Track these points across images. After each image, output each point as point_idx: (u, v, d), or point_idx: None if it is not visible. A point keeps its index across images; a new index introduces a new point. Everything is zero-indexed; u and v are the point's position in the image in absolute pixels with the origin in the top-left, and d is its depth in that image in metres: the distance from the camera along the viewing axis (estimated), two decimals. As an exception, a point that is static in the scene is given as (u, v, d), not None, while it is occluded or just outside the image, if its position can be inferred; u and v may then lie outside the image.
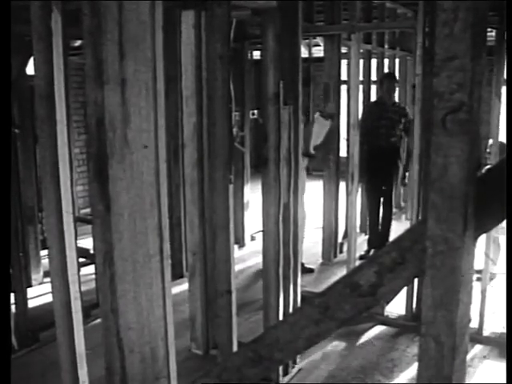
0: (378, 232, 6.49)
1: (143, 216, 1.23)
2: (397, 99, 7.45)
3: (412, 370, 4.08)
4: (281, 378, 4.01)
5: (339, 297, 1.02)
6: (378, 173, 6.42)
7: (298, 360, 4.21)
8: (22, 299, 4.37)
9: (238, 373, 1.21)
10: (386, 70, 8.15)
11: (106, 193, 1.16)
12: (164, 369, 1.37)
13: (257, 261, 5.80)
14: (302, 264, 5.28)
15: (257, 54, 8.94)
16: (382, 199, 6.51)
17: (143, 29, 1.22)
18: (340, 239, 6.54)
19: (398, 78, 8.34)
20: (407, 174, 6.55)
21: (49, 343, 4.38)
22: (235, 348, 3.62)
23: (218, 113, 3.26)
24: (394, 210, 8.42)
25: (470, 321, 0.96)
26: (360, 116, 6.09)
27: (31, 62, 5.16)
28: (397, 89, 6.67)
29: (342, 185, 6.01)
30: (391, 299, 5.05)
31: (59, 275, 2.53)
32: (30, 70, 5.20)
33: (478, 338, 4.33)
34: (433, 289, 0.88)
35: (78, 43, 5.55)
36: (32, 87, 5.65)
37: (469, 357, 4.02)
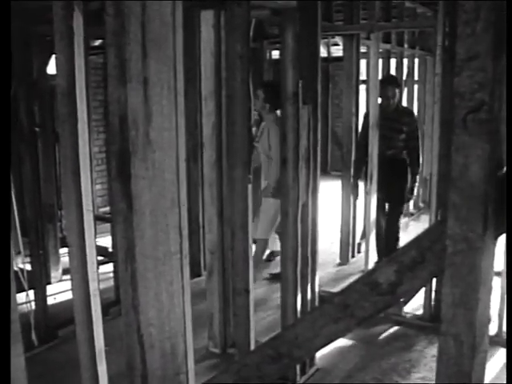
0: (382, 245, 5.94)
1: (164, 214, 1.25)
2: (405, 104, 7.10)
3: (430, 371, 4.07)
4: (298, 378, 4.02)
5: (358, 295, 1.03)
6: (378, 187, 5.78)
7: (315, 360, 4.22)
8: (42, 296, 4.42)
9: (256, 370, 1.22)
10: (405, 70, 8.12)
11: (128, 191, 1.17)
12: (183, 365, 1.39)
13: (275, 260, 5.83)
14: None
15: (275, 54, 8.95)
16: (387, 215, 5.97)
17: (165, 29, 1.23)
18: (358, 239, 6.54)
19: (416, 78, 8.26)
20: (415, 187, 5.94)
21: (67, 340, 4.42)
22: (253, 346, 3.64)
23: (238, 112, 3.28)
24: (413, 210, 8.41)
25: (489, 320, 0.97)
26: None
27: (51, 61, 5.23)
28: (397, 92, 5.77)
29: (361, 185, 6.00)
30: (409, 300, 5.04)
31: (79, 272, 2.56)
32: (50, 69, 5.25)
33: (497, 340, 4.30)
34: (452, 287, 0.89)
35: (96, 43, 5.60)
36: (52, 86, 5.72)
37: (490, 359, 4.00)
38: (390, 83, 5.77)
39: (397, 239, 5.87)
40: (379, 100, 5.62)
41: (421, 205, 8.62)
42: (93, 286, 2.56)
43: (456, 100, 0.86)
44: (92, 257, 2.54)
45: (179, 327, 1.35)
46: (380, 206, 5.88)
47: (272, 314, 4.87)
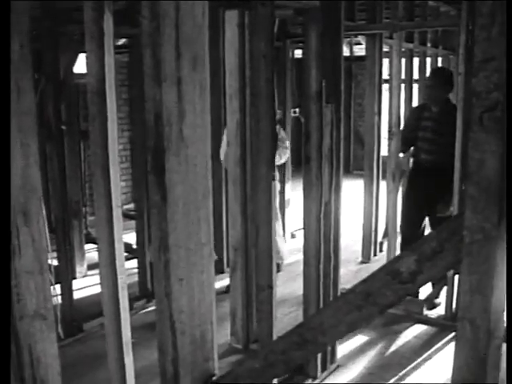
0: None
1: (196, 206, 1.32)
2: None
3: (450, 369, 4.11)
4: (319, 374, 4.08)
5: (381, 283, 1.09)
6: (416, 195, 5.30)
7: (336, 357, 4.28)
8: (68, 291, 4.52)
9: (283, 355, 1.29)
10: (428, 69, 8.08)
11: (162, 184, 1.25)
12: (212, 352, 1.46)
13: (297, 258, 5.87)
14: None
15: (297, 53, 9.00)
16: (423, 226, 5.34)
17: (197, 30, 1.30)
18: (380, 238, 6.58)
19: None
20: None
21: (92, 333, 4.54)
22: (273, 337, 3.69)
23: (262, 111, 3.35)
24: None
25: (504, 308, 1.02)
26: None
27: (78, 60, 5.33)
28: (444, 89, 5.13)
29: (383, 184, 6.04)
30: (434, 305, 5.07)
31: (108, 266, 2.64)
32: (77, 68, 5.35)
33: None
34: (469, 275, 0.95)
35: (120, 42, 5.69)
36: (78, 85, 5.83)
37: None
38: (433, 76, 5.33)
39: None
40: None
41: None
42: (121, 279, 2.64)
43: (473, 99, 0.92)
44: (120, 250, 2.63)
45: (208, 315, 1.43)
46: (415, 217, 5.31)
47: (294, 311, 4.94)
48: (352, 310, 1.15)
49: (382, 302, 1.11)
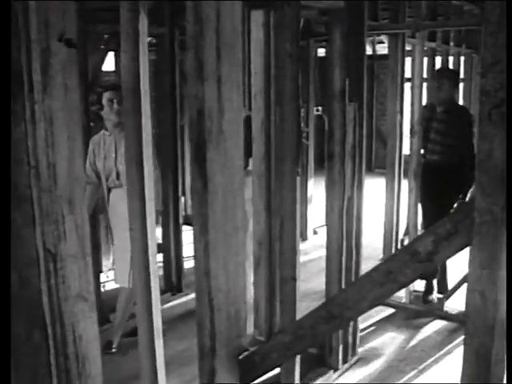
0: None
1: (233, 194, 1.47)
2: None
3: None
4: (340, 366, 4.22)
5: (401, 262, 1.23)
6: (427, 195, 5.41)
7: (357, 349, 4.42)
8: (95, 283, 4.69)
9: (311, 329, 1.44)
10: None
11: (203, 173, 1.40)
12: (245, 329, 1.61)
13: (319, 254, 6.01)
14: None
15: (320, 52, 9.11)
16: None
17: (235, 34, 1.46)
18: (401, 235, 6.68)
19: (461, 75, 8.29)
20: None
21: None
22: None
23: (287, 109, 3.49)
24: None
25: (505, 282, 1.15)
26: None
27: (107, 59, 5.51)
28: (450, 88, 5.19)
29: (405, 182, 6.15)
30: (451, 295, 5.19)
31: (141, 255, 2.80)
32: (105, 67, 5.53)
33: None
34: (479, 252, 1.09)
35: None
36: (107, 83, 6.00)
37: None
38: (438, 76, 5.42)
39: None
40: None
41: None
42: (153, 268, 2.80)
43: (483, 97, 1.06)
44: (153, 241, 2.79)
45: (242, 295, 1.58)
46: (424, 216, 5.51)
47: (317, 305, 5.06)
48: (375, 287, 1.29)
49: (402, 279, 1.25)
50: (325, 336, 1.46)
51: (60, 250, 1.92)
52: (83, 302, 2.03)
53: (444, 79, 5.22)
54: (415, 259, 1.20)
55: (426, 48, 6.64)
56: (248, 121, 4.38)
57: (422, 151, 5.47)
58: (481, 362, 1.10)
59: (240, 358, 1.57)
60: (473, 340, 1.12)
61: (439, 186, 5.24)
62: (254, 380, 1.63)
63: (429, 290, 5.38)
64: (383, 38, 7.23)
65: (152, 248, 2.79)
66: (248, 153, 4.69)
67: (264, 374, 1.61)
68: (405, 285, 1.28)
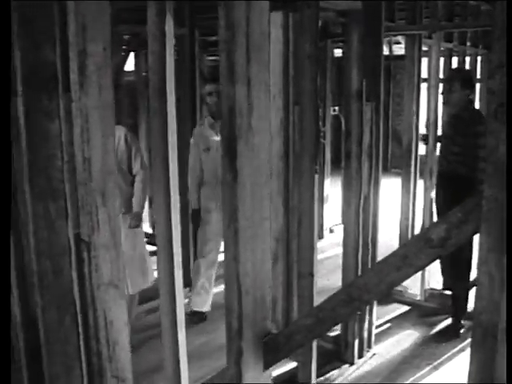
0: (448, 274, 5.27)
1: (260, 186, 1.60)
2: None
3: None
4: (356, 360, 4.35)
5: (416, 248, 1.36)
6: (439, 205, 5.20)
7: (372, 345, 4.54)
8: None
9: (332, 312, 1.57)
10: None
11: (233, 166, 1.53)
12: (269, 312, 1.74)
13: (335, 252, 6.14)
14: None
15: (337, 52, 9.21)
16: None
17: (263, 38, 1.59)
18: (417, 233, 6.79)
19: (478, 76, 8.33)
20: None
21: (140, 317, 4.88)
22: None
23: (306, 109, 3.62)
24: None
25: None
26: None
27: (128, 59, 5.66)
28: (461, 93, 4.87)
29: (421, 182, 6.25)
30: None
31: (165, 248, 2.94)
32: (127, 66, 5.68)
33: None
34: (487, 237, 1.21)
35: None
36: (129, 82, 6.17)
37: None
38: (449, 78, 5.11)
39: (469, 266, 4.93)
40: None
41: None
42: (177, 259, 2.94)
43: (490, 97, 1.18)
44: (177, 234, 2.93)
45: (267, 280, 1.71)
46: None
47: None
48: (392, 271, 1.42)
49: (417, 263, 1.38)
50: (345, 318, 1.59)
51: (94, 240, 2.07)
52: (114, 290, 2.18)
53: (455, 81, 4.91)
54: (429, 245, 1.32)
55: (442, 48, 6.73)
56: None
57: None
58: (488, 337, 1.22)
59: (265, 339, 1.70)
60: (481, 317, 1.24)
61: (448, 197, 4.95)
62: (277, 361, 1.77)
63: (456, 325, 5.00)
64: (400, 38, 7.32)
65: (176, 240, 2.93)
66: None
67: (287, 355, 1.74)
68: (419, 268, 1.41)
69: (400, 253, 1.39)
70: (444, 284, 5.43)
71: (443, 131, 5.21)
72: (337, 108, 7.40)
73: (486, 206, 1.19)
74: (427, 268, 5.31)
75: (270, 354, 1.70)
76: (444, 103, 5.17)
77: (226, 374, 1.80)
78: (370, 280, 1.49)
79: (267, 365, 1.72)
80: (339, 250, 5.11)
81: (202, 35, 5.71)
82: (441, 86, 5.69)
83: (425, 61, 6.74)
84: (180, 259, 3.02)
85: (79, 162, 2.05)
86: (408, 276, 1.41)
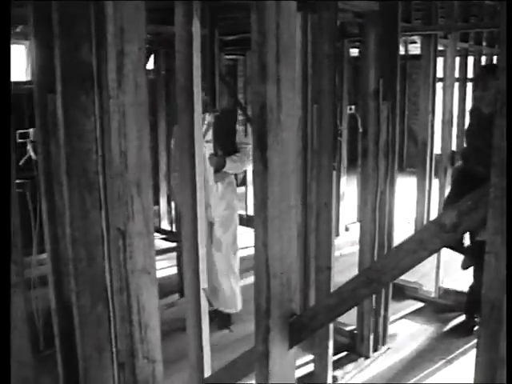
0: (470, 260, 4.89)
1: (288, 177, 1.77)
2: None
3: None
4: (371, 354, 4.51)
5: (431, 233, 1.53)
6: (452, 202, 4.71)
7: (387, 339, 4.70)
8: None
9: (353, 292, 1.74)
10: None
11: (264, 157, 1.70)
12: (295, 295, 1.92)
13: (351, 249, 6.29)
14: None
15: (353, 51, 9.36)
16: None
17: (292, 41, 1.76)
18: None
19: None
20: None
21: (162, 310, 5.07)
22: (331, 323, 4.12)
23: (325, 107, 3.78)
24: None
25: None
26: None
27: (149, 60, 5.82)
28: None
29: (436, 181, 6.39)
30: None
31: (190, 239, 3.13)
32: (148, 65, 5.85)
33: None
34: (493, 221, 1.37)
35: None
36: (149, 81, 6.34)
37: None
38: (483, 76, 4.78)
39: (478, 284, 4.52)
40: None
41: None
42: (201, 250, 3.13)
43: (498, 95, 1.34)
44: (202, 226, 3.12)
45: (293, 265, 1.88)
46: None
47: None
48: (408, 254, 1.58)
49: (431, 247, 1.54)
50: (364, 298, 1.75)
51: (129, 228, 2.25)
52: (147, 276, 2.37)
53: (489, 77, 4.44)
54: (442, 230, 1.49)
55: (458, 48, 6.85)
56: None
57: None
58: (495, 311, 1.38)
59: (290, 320, 1.88)
60: (488, 293, 1.40)
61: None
62: (302, 340, 1.94)
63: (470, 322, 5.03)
64: (416, 37, 7.45)
65: (201, 232, 3.12)
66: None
67: (311, 333, 1.92)
68: (433, 252, 1.57)
69: (416, 238, 1.55)
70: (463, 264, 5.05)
71: (472, 130, 4.88)
72: (353, 107, 7.53)
73: (492, 193, 1.35)
74: (442, 266, 5.47)
75: (295, 333, 1.87)
76: (475, 101, 4.82)
77: (252, 352, 1.96)
78: (388, 263, 1.65)
79: (292, 343, 1.89)
80: (355, 248, 5.29)
81: (221, 35, 5.88)
82: (456, 84, 5.84)
83: (440, 60, 6.86)
84: (204, 252, 3.22)
85: (116, 155, 2.24)
86: (423, 259, 1.58)
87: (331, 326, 4.12)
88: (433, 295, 5.61)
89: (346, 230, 7.73)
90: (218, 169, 4.87)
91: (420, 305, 5.57)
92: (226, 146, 4.96)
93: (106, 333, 2.65)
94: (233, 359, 2.20)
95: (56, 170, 2.66)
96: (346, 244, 6.82)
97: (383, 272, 1.66)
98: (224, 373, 2.24)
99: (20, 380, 2.78)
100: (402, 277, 5.58)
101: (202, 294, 3.22)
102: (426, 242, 1.54)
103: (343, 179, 7.51)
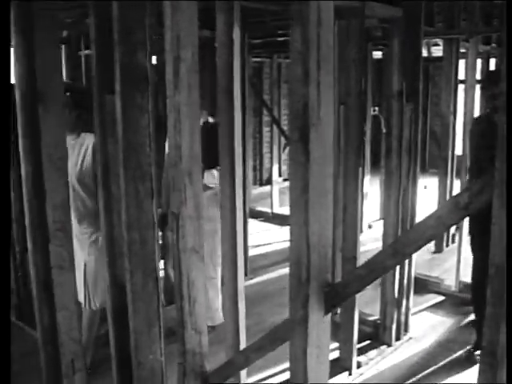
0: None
1: (325, 166, 2.14)
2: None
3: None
4: (393, 342, 4.87)
5: (447, 210, 1.88)
6: (481, 234, 4.28)
7: (409, 329, 5.05)
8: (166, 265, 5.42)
9: (381, 263, 2.10)
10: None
11: (306, 149, 2.07)
12: (329, 267, 2.28)
13: (374, 246, 6.62)
14: None
15: (375, 54, 9.68)
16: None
17: (330, 50, 2.13)
18: (452, 230, 7.27)
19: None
20: None
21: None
22: (356, 312, 4.47)
23: (352, 108, 4.15)
24: None
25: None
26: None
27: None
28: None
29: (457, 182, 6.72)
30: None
31: (229, 228, 3.51)
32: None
33: None
34: (497, 199, 1.72)
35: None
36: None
37: None
38: (488, 81, 4.78)
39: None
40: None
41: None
42: (240, 239, 3.51)
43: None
44: (240, 217, 3.50)
45: (329, 241, 2.24)
46: (478, 261, 4.62)
47: (372, 290, 5.68)
48: (428, 229, 1.93)
49: (448, 222, 1.90)
50: (391, 268, 2.09)
51: (182, 212, 2.63)
52: (196, 255, 2.76)
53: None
54: (457, 207, 1.84)
55: (480, 51, 7.15)
56: (205, 128, 4.40)
57: None
58: (500, 271, 1.73)
59: (325, 289, 2.24)
60: (494, 259, 1.75)
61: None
62: (336, 307, 2.30)
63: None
64: (438, 40, 7.76)
65: (239, 222, 3.50)
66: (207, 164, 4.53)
67: (344, 300, 2.29)
68: (450, 226, 1.93)
69: (435, 214, 1.90)
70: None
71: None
72: (377, 108, 7.85)
73: (497, 176, 1.70)
74: (462, 261, 5.81)
75: (330, 300, 2.23)
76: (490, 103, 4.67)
77: (288, 321, 2.32)
78: (412, 236, 2.01)
79: (327, 310, 2.25)
80: (378, 245, 5.65)
81: (249, 38, 6.24)
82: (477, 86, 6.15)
83: (462, 62, 7.14)
84: (242, 238, 3.60)
85: (172, 147, 2.62)
86: (442, 232, 1.92)
87: (356, 315, 4.48)
88: (453, 289, 5.96)
89: (369, 227, 8.11)
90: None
91: (441, 298, 5.93)
92: (206, 160, 4.83)
93: (155, 309, 3.04)
94: (273, 327, 2.55)
95: (113, 163, 3.04)
96: (370, 240, 7.17)
97: (407, 244, 2.01)
98: (264, 340, 2.59)
99: (71, 353, 3.17)
100: (424, 272, 5.94)
101: (239, 277, 3.60)
102: (444, 217, 1.89)
103: (366, 179, 7.86)
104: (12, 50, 2.97)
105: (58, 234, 3.01)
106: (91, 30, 2.99)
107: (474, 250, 4.62)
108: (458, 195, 1.85)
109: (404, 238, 2.13)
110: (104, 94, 3.01)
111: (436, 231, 1.93)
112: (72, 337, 3.16)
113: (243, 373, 3.69)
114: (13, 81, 3.02)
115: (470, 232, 4.66)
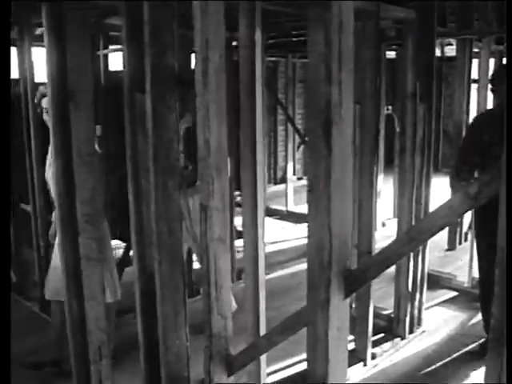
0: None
1: (345, 160, 2.34)
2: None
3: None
4: (407, 335, 5.06)
5: (459, 200, 2.08)
6: (487, 238, 4.51)
7: (422, 322, 5.24)
8: (188, 259, 5.63)
9: (397, 250, 2.30)
10: None
11: (329, 144, 2.27)
12: (350, 255, 2.48)
13: (387, 243, 6.79)
14: None
15: (389, 54, 9.84)
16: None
17: (350, 52, 2.33)
18: (465, 229, 7.45)
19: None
20: None
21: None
22: (371, 306, 4.67)
23: (368, 107, 4.36)
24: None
25: None
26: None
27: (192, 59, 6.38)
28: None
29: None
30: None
31: (250, 227, 3.71)
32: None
33: None
34: (501, 185, 1.92)
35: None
36: (192, 79, 6.90)
37: None
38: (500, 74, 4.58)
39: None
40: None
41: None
42: (261, 237, 3.71)
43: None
44: (261, 215, 3.70)
45: (349, 229, 2.45)
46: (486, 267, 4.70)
47: (385, 287, 5.89)
48: (441, 217, 2.14)
49: (459, 211, 2.10)
50: (406, 254, 2.28)
51: (210, 204, 2.83)
52: (222, 244, 2.96)
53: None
54: (468, 197, 2.05)
55: (493, 50, 7.32)
56: (189, 132, 4.53)
57: None
58: (503, 255, 1.93)
59: (345, 274, 2.44)
60: (500, 241, 1.96)
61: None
62: (354, 291, 2.51)
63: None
64: (451, 40, 7.92)
65: (260, 216, 3.71)
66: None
67: (362, 285, 2.49)
68: (460, 215, 2.13)
69: (447, 204, 2.10)
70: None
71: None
72: (390, 107, 8.02)
73: (503, 171, 1.91)
74: (474, 258, 5.98)
75: (349, 285, 2.44)
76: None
77: (310, 305, 2.52)
78: (426, 224, 2.22)
79: (347, 293, 2.45)
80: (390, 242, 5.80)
81: (268, 39, 6.42)
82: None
83: (475, 62, 7.29)
84: (263, 234, 3.80)
85: (200, 142, 2.82)
86: (454, 220, 2.11)
87: (371, 309, 4.68)
88: (466, 285, 6.15)
89: (383, 225, 8.32)
90: (189, 184, 4.74)
91: (453, 294, 6.14)
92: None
93: (181, 297, 3.26)
94: (295, 311, 2.75)
95: (143, 158, 3.25)
96: (383, 238, 7.34)
97: (421, 232, 2.21)
98: (286, 324, 2.80)
99: (98, 341, 3.38)
100: (437, 268, 6.13)
101: (261, 265, 3.80)
102: (455, 206, 2.09)
103: (380, 178, 8.04)
104: (44, 50, 3.21)
105: (87, 227, 3.24)
106: (122, 31, 3.21)
107: (479, 252, 4.81)
108: (469, 186, 2.05)
109: (418, 226, 2.34)
110: (134, 92, 3.23)
111: (448, 219, 2.13)
112: (99, 326, 3.38)
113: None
114: (45, 79, 3.24)
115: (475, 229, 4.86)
